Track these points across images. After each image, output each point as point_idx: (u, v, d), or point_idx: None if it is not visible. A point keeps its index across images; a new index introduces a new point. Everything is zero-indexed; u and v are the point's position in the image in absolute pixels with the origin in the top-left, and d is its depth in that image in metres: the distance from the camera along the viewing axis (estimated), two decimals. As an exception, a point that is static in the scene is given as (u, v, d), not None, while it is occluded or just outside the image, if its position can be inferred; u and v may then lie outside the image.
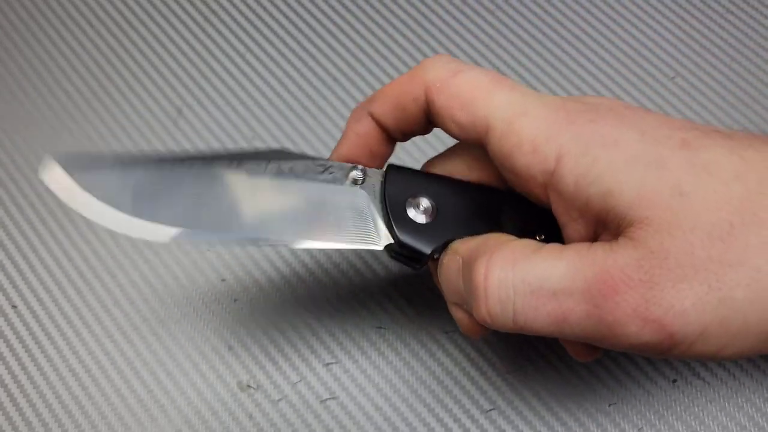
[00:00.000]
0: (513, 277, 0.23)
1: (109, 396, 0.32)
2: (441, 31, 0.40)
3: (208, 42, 0.41)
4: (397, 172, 0.27)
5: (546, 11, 0.41)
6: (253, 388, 0.32)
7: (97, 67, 0.40)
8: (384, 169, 0.27)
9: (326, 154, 0.37)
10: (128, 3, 0.42)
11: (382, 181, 0.26)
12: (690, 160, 0.22)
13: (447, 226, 0.26)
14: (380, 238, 0.26)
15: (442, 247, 0.26)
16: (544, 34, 0.40)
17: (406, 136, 0.28)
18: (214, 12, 0.42)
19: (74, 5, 0.42)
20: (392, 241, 0.26)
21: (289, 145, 0.38)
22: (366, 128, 0.28)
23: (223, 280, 0.35)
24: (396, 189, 0.26)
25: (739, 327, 0.22)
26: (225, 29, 0.41)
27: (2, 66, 0.41)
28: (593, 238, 0.24)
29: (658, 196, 0.22)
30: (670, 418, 0.31)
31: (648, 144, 0.23)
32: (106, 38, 0.41)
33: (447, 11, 0.41)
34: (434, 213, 0.26)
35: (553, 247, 0.23)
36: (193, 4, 0.42)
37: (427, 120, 0.27)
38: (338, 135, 0.38)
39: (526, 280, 0.23)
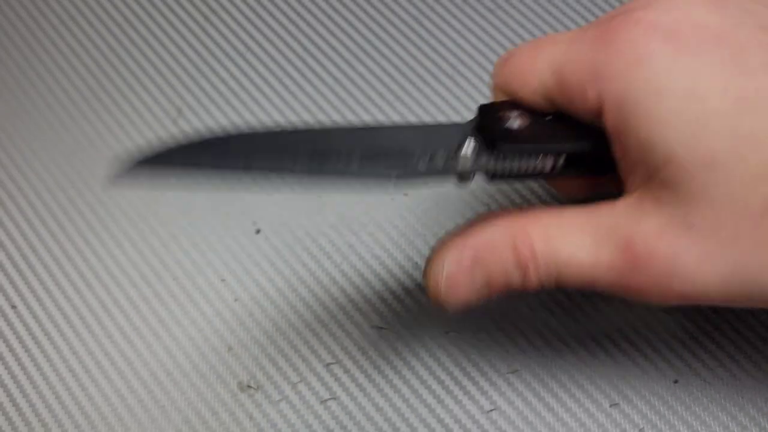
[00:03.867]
0: (549, 254, 0.23)
1: (108, 396, 0.32)
2: (441, 30, 0.40)
3: (208, 41, 0.41)
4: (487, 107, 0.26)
5: (546, 11, 0.41)
6: (253, 389, 0.32)
7: (97, 67, 0.40)
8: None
9: (326, 153, 0.37)
10: (128, 3, 0.42)
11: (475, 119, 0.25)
12: (738, 125, 0.20)
13: (544, 133, 0.25)
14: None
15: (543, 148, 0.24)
16: (544, 33, 0.40)
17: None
18: (214, 11, 0.42)
19: (74, 5, 0.42)
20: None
21: (289, 145, 0.38)
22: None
23: (223, 280, 0.35)
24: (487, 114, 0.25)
25: (764, 303, 0.21)
26: (225, 29, 0.41)
27: (2, 66, 0.41)
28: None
29: (689, 163, 0.21)
30: (672, 417, 0.31)
31: (696, 97, 0.21)
32: (106, 38, 0.41)
33: (448, 10, 0.41)
34: (529, 120, 0.25)
35: (579, 214, 0.23)
36: (193, 4, 0.42)
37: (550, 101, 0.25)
38: (338, 135, 0.38)
39: (557, 261, 0.23)
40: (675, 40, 0.22)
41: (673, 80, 0.21)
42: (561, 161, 0.24)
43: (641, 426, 0.31)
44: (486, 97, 0.38)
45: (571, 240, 0.23)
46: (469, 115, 0.38)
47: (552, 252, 0.23)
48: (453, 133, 0.24)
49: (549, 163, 0.24)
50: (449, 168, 0.24)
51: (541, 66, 0.24)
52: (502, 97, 0.26)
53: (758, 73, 0.21)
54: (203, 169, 0.23)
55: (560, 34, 0.25)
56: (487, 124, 0.25)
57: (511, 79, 0.25)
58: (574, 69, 0.23)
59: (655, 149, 0.21)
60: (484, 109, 0.25)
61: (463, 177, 0.25)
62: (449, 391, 0.32)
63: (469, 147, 0.24)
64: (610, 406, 0.31)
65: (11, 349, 0.33)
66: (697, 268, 0.21)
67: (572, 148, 0.24)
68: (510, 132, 0.24)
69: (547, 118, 0.25)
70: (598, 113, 0.23)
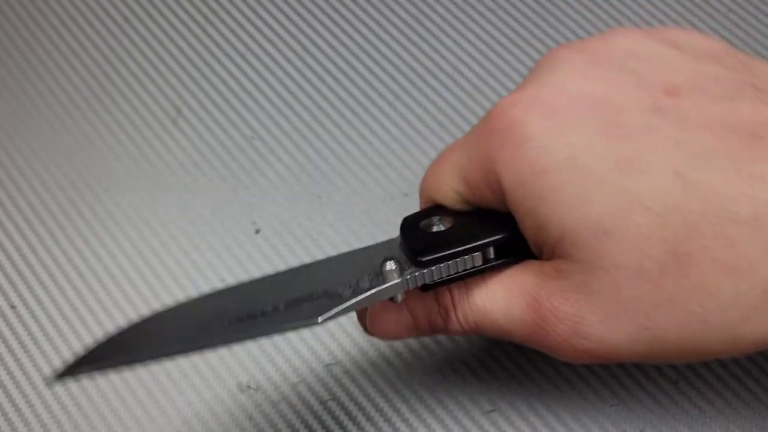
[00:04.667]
0: (467, 306, 0.25)
1: (108, 397, 0.32)
2: (442, 30, 0.40)
3: (208, 42, 0.41)
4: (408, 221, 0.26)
5: (546, 10, 0.41)
6: (253, 389, 0.32)
7: (97, 67, 0.40)
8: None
9: (327, 154, 0.37)
10: (128, 3, 0.42)
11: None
12: (621, 189, 0.21)
13: (464, 232, 0.25)
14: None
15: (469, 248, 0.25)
16: (544, 33, 0.40)
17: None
18: (214, 12, 0.42)
19: (74, 5, 0.42)
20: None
21: (288, 145, 0.38)
22: None
23: (223, 280, 0.35)
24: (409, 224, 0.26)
25: (674, 359, 0.23)
26: (225, 29, 0.41)
27: (2, 66, 0.41)
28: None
29: (580, 236, 0.21)
30: (672, 419, 0.31)
31: (576, 169, 0.21)
32: (106, 38, 0.41)
33: (448, 10, 0.41)
34: (451, 222, 0.25)
35: (496, 273, 0.24)
36: (193, 4, 0.42)
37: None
38: (339, 135, 0.38)
39: (474, 311, 0.24)
40: (552, 116, 0.22)
41: (553, 156, 0.21)
42: (491, 254, 0.25)
43: (642, 427, 0.31)
44: (486, 98, 0.38)
45: (487, 292, 0.24)
46: (469, 115, 0.38)
47: (470, 302, 0.25)
48: (376, 255, 0.25)
49: (478, 259, 0.24)
50: (376, 289, 0.24)
51: (450, 175, 0.25)
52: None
53: (636, 134, 0.21)
54: (137, 361, 0.24)
55: (458, 140, 0.26)
56: (409, 238, 0.25)
57: (430, 194, 0.26)
58: (473, 169, 0.24)
59: (549, 227, 0.22)
60: (405, 224, 0.26)
61: (393, 297, 0.25)
62: (449, 392, 0.32)
63: (390, 266, 0.24)
64: (611, 406, 0.31)
65: (10, 349, 0.33)
66: (603, 328, 0.21)
67: (497, 239, 0.24)
68: (433, 238, 0.25)
69: (469, 217, 0.25)
70: (504, 202, 0.23)
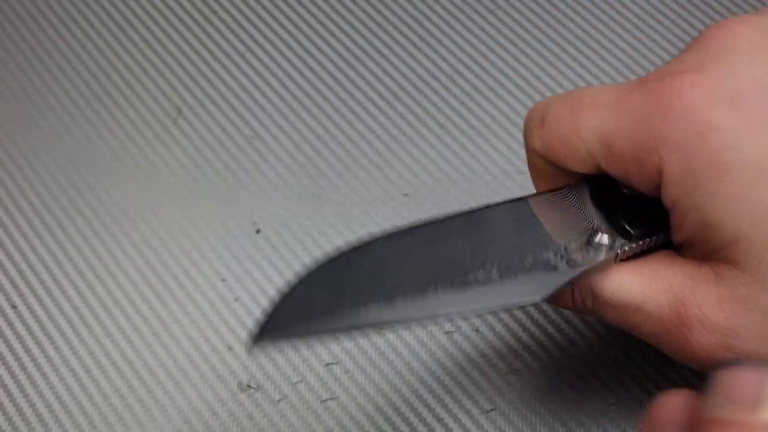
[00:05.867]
0: (596, 289, 0.23)
1: (108, 396, 0.32)
2: (441, 30, 0.40)
3: (208, 42, 0.41)
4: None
5: (546, 11, 0.41)
6: (254, 389, 0.32)
7: (97, 67, 0.40)
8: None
9: (327, 154, 0.37)
10: (128, 3, 0.42)
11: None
12: None
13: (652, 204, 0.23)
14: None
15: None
16: (544, 33, 0.40)
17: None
18: (214, 12, 0.42)
19: (74, 5, 0.42)
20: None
21: (289, 145, 0.38)
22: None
23: (223, 279, 0.35)
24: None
25: None
26: (225, 29, 0.41)
27: (3, 66, 0.41)
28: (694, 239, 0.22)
29: (757, 245, 0.19)
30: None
31: (764, 172, 0.19)
32: (106, 38, 0.41)
33: (447, 11, 0.41)
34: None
35: (636, 262, 0.22)
36: (193, 4, 0.42)
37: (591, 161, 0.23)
38: (339, 135, 0.38)
39: (600, 294, 0.22)
40: (740, 108, 0.20)
41: (741, 156, 0.19)
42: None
43: (641, 427, 0.31)
44: (486, 98, 0.38)
45: (620, 282, 0.22)
46: (469, 115, 0.38)
47: (596, 284, 0.23)
48: (563, 216, 0.23)
49: (662, 237, 0.22)
50: (590, 264, 0.22)
51: (587, 134, 0.22)
52: (539, 162, 0.24)
53: None
54: (354, 327, 0.21)
55: (601, 94, 0.22)
56: (610, 204, 0.23)
57: (553, 146, 0.23)
58: (626, 139, 0.21)
59: (720, 229, 0.20)
60: (596, 186, 0.23)
61: (596, 267, 0.22)
62: (449, 391, 0.32)
63: (603, 239, 0.22)
64: (611, 406, 0.31)
65: (11, 349, 0.33)
66: (754, 345, 0.20)
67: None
68: (637, 206, 0.22)
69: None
70: (656, 186, 0.21)
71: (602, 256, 0.22)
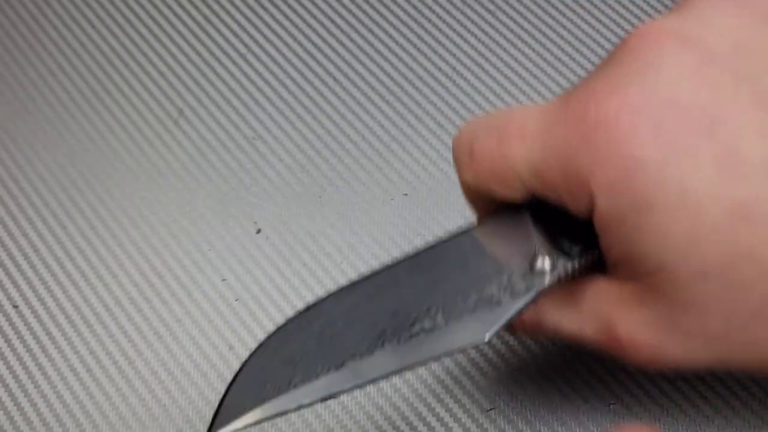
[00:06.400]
0: (535, 319, 0.24)
1: (110, 395, 0.32)
2: (441, 31, 0.41)
3: (208, 42, 0.41)
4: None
5: (546, 11, 0.41)
6: (254, 388, 0.32)
7: (98, 67, 0.40)
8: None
9: (327, 154, 0.37)
10: (129, 3, 0.42)
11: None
12: (732, 238, 0.19)
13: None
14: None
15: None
16: (544, 34, 0.40)
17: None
18: (214, 12, 0.42)
19: (74, 5, 0.42)
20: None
21: (289, 145, 0.38)
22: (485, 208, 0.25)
23: (224, 279, 0.35)
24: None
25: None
26: (226, 29, 0.41)
27: (2, 65, 0.41)
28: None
29: (680, 275, 0.20)
30: (670, 419, 0.31)
31: (687, 209, 0.19)
32: (107, 38, 0.41)
33: (447, 11, 0.41)
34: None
35: (570, 290, 0.23)
36: (193, 4, 0.42)
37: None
38: (339, 135, 0.38)
39: (543, 326, 0.24)
40: (665, 135, 0.19)
41: (665, 191, 0.19)
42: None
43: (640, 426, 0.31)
44: (486, 98, 0.39)
45: (556, 310, 0.24)
46: (469, 115, 0.38)
47: (539, 318, 0.24)
48: (495, 242, 0.23)
49: (591, 257, 0.22)
50: (535, 290, 0.22)
51: (517, 165, 0.22)
52: (473, 194, 0.24)
53: (753, 174, 0.19)
54: (291, 408, 0.22)
55: (527, 122, 0.22)
56: (548, 223, 0.23)
57: (485, 179, 0.23)
58: (557, 171, 0.21)
59: (644, 259, 0.20)
60: (537, 208, 0.23)
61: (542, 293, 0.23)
62: (449, 390, 0.32)
63: (545, 263, 0.22)
64: (609, 405, 0.31)
65: (13, 349, 0.34)
66: (683, 357, 0.21)
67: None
68: (573, 223, 0.22)
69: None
70: (590, 212, 0.21)
71: (545, 282, 0.22)
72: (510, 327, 0.25)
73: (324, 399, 0.22)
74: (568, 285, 0.23)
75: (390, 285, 0.23)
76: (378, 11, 0.41)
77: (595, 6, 0.41)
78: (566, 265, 0.22)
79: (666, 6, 0.40)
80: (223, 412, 0.22)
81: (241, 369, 0.23)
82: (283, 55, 0.40)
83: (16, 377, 0.33)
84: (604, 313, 0.22)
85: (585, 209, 0.21)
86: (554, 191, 0.22)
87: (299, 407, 0.22)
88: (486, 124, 0.23)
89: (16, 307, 0.35)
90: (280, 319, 0.34)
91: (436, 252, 0.24)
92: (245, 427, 0.22)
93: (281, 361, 0.22)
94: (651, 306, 0.21)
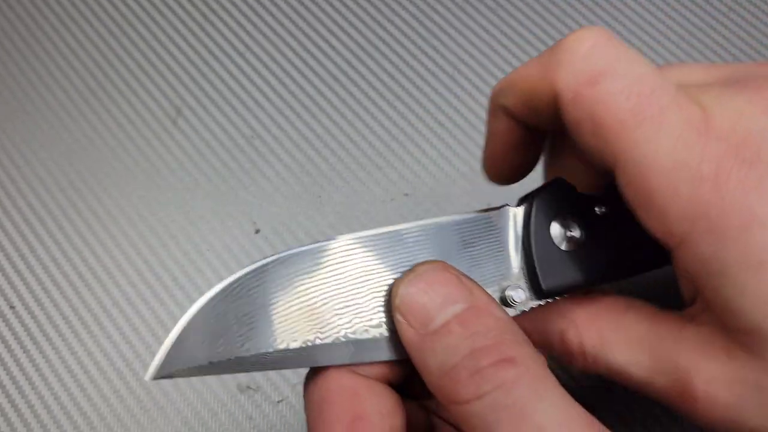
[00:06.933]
0: (598, 357, 0.23)
1: (107, 397, 0.32)
2: (442, 30, 0.40)
3: (207, 41, 0.41)
4: (549, 190, 0.23)
5: (547, 10, 0.41)
6: (253, 390, 0.32)
7: (97, 67, 0.40)
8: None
9: (327, 153, 0.37)
10: (128, 3, 0.42)
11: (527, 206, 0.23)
12: None
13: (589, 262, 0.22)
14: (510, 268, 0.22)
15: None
16: (545, 33, 0.40)
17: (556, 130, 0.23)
18: (213, 11, 0.42)
19: (74, 5, 0.42)
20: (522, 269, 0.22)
21: (288, 145, 0.38)
22: (504, 126, 0.24)
23: (222, 280, 0.34)
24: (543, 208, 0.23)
25: None
26: (225, 28, 0.41)
27: (2, 66, 0.41)
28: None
29: None
30: (668, 418, 0.31)
31: None
32: (106, 38, 0.41)
33: (448, 10, 0.41)
34: (579, 244, 0.22)
35: (639, 323, 0.22)
36: (193, 4, 0.42)
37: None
38: (339, 135, 0.38)
39: (608, 365, 0.23)
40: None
41: None
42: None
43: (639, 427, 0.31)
44: (486, 98, 0.38)
45: (627, 351, 0.22)
46: (469, 114, 0.38)
47: (604, 356, 0.23)
48: (485, 254, 0.22)
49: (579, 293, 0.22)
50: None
51: (632, 145, 0.21)
52: (536, 102, 0.22)
53: None
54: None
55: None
56: (539, 250, 0.22)
57: (584, 125, 0.21)
58: (663, 186, 0.20)
59: (742, 318, 0.19)
60: (533, 222, 0.22)
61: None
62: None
63: (519, 295, 0.22)
64: (608, 405, 0.31)
65: (9, 350, 0.33)
66: (761, 421, 0.20)
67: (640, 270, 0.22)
68: (564, 260, 0.22)
69: (600, 211, 0.22)
70: (669, 244, 0.20)
71: (512, 312, 0.22)
72: (568, 358, 0.24)
73: (270, 369, 0.21)
74: (640, 323, 0.22)
75: (364, 273, 0.23)
76: (379, 11, 0.41)
77: (598, 4, 0.41)
78: (540, 304, 0.22)
79: (669, 3, 0.40)
80: (170, 355, 0.21)
81: (202, 305, 0.22)
82: (283, 55, 0.40)
83: (12, 378, 0.33)
84: (684, 364, 0.21)
85: (672, 244, 0.20)
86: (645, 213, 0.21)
87: (244, 371, 0.21)
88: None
89: (12, 308, 0.34)
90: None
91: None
92: (183, 377, 0.22)
93: (243, 314, 0.22)
94: (738, 363, 0.20)
